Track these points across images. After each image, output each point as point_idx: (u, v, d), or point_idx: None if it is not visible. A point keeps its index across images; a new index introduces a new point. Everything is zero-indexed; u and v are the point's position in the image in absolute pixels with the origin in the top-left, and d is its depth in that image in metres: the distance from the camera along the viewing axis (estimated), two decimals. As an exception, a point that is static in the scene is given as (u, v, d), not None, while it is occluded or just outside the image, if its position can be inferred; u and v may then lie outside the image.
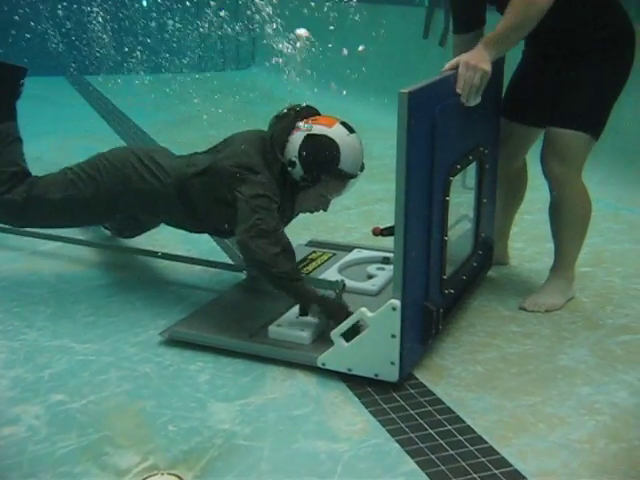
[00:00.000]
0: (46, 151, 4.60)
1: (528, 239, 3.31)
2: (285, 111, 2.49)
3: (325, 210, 2.54)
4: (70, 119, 6.01)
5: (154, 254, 3.04)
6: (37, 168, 2.83)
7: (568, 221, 2.64)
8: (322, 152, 2.38)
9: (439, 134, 2.14)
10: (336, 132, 2.40)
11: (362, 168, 2.47)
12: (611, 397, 2.12)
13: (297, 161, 2.40)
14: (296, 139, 2.41)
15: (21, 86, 2.82)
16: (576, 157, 2.54)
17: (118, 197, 2.63)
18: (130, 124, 5.81)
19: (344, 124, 2.45)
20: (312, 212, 2.57)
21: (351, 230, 3.43)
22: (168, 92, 7.38)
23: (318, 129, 2.41)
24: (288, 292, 2.34)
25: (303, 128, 2.42)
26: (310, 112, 2.50)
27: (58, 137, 5.21)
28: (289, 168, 2.42)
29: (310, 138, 2.39)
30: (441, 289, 2.33)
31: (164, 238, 3.28)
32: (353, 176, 2.43)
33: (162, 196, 2.58)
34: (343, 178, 2.42)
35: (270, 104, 3.95)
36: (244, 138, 2.55)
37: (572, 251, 2.70)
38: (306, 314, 2.37)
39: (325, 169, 2.40)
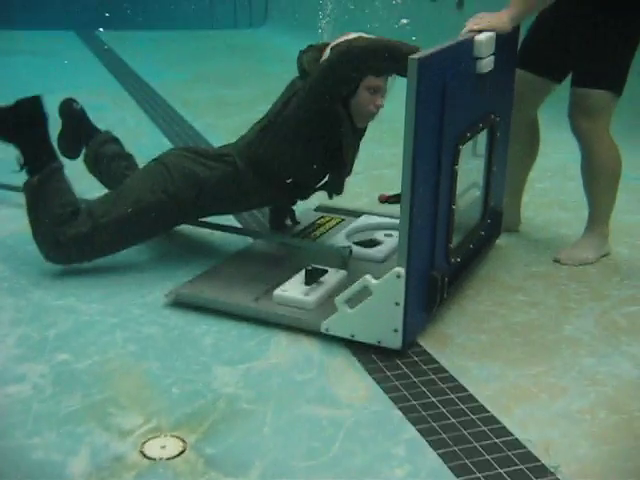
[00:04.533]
0: (55, 108, 4.56)
1: (538, 207, 3.28)
2: (312, 44, 2.56)
3: (382, 105, 2.48)
4: (80, 75, 5.96)
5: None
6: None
7: (599, 176, 2.72)
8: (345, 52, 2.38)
9: (449, 101, 2.10)
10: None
11: None
12: (614, 368, 2.12)
13: None
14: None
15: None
16: (603, 114, 2.65)
17: (195, 198, 2.59)
18: (140, 82, 5.76)
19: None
20: (372, 118, 2.52)
21: (360, 195, 3.41)
22: (179, 49, 7.33)
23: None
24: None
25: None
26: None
27: (67, 93, 5.15)
28: None
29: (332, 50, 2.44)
30: (447, 257, 2.32)
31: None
32: None
33: (238, 174, 2.59)
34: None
35: (282, 65, 3.90)
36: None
37: (605, 206, 2.77)
38: (310, 283, 2.38)
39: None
